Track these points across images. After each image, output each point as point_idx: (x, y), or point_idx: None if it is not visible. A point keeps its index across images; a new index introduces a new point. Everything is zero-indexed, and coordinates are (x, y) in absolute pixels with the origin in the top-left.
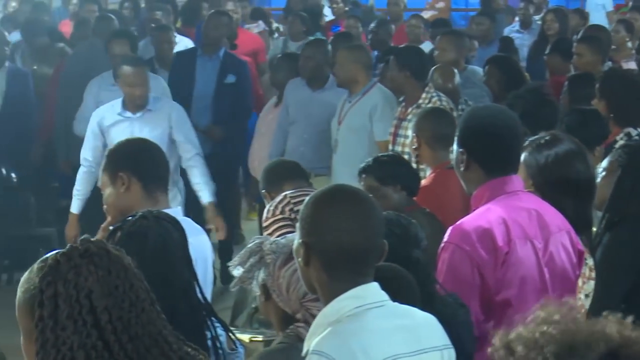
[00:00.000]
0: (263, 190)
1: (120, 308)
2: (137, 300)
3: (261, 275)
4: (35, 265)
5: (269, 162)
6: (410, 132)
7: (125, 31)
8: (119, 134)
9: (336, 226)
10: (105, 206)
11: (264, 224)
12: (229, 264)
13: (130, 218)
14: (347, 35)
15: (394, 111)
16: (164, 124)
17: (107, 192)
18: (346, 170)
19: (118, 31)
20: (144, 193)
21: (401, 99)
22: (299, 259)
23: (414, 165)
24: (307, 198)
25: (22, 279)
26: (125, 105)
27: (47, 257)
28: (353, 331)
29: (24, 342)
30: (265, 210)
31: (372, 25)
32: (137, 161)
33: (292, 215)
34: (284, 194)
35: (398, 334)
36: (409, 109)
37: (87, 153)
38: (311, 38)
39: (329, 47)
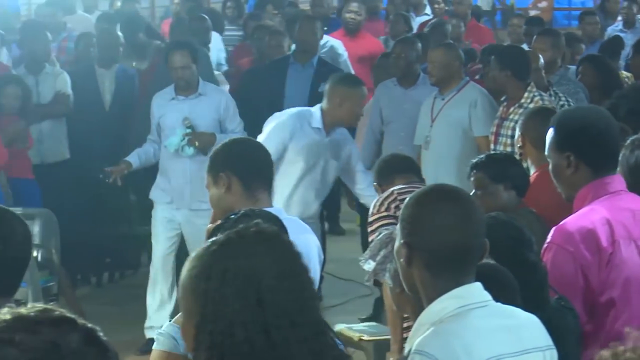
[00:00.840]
0: (375, 183)
1: (287, 292)
2: (303, 288)
3: (394, 266)
4: (205, 246)
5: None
6: (512, 132)
7: (186, 42)
8: (169, 117)
9: (438, 225)
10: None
11: (370, 219)
12: (360, 258)
13: (232, 216)
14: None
15: (493, 109)
16: (213, 110)
17: (211, 192)
18: (441, 166)
19: (178, 42)
20: (245, 192)
21: (503, 98)
22: (401, 260)
23: None
24: (407, 198)
25: (190, 259)
26: (177, 89)
27: (217, 238)
28: (456, 331)
29: (185, 323)
30: (372, 205)
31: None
32: (237, 161)
33: (397, 213)
34: (391, 189)
35: (501, 334)
36: (511, 109)
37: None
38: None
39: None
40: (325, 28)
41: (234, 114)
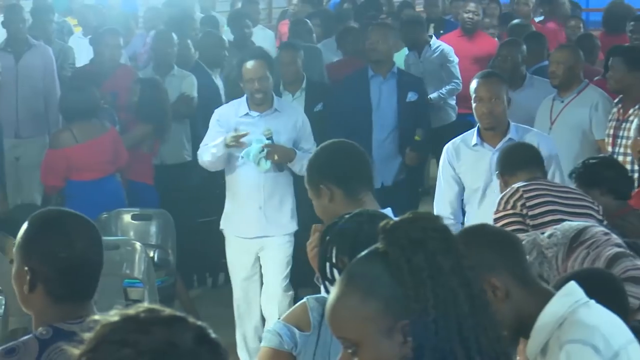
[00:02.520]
0: (497, 172)
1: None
2: (472, 282)
3: (537, 270)
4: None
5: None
6: (632, 134)
7: (260, 50)
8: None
9: None
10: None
11: (495, 216)
12: None
13: (346, 215)
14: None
15: (609, 111)
16: (290, 127)
17: (315, 204)
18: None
19: (254, 50)
20: (348, 198)
21: (617, 100)
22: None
23: (637, 167)
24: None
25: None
26: (250, 104)
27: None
28: (590, 318)
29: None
30: (497, 202)
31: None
32: (334, 169)
33: (524, 211)
34: (516, 186)
35: (617, 324)
36: (630, 110)
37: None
38: None
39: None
40: (441, 31)
41: (310, 133)
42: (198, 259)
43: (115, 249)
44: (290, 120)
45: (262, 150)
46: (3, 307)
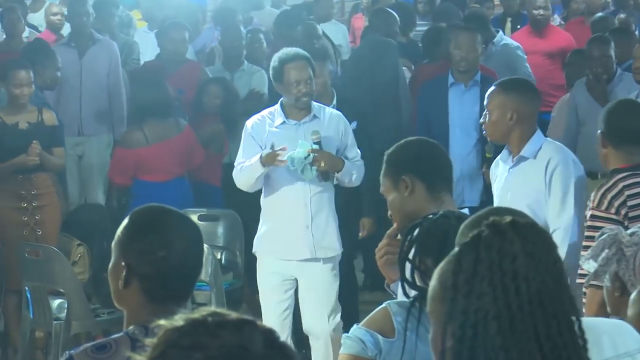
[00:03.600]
0: (600, 131)
1: (542, 281)
2: (560, 277)
3: (613, 267)
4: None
5: None
6: None
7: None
8: (281, 144)
9: None
10: (389, 212)
11: (590, 212)
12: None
13: (430, 216)
14: (624, 31)
15: None
16: (332, 136)
17: (391, 197)
18: None
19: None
20: (429, 195)
21: None
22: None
23: None
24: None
25: (439, 268)
26: (286, 111)
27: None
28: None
29: (433, 332)
30: (593, 193)
31: None
32: (419, 162)
33: (623, 212)
34: (621, 184)
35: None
36: None
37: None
38: None
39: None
40: (518, 26)
41: (353, 141)
42: None
43: None
44: (332, 126)
45: (308, 156)
46: (66, 310)
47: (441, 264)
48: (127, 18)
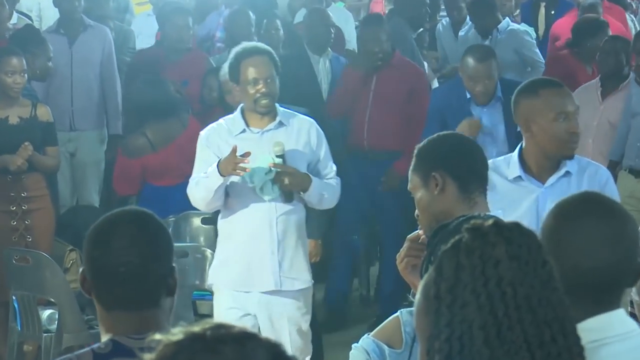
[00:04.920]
0: None
1: (529, 286)
2: (549, 280)
3: None
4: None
5: None
6: None
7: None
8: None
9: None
10: (416, 212)
11: None
12: None
13: (461, 218)
14: None
15: None
16: (301, 147)
17: (419, 195)
18: None
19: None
20: (461, 195)
21: None
22: None
23: None
24: None
25: (423, 280)
26: (247, 118)
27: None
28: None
29: (421, 348)
30: None
31: None
32: (452, 158)
33: None
34: None
35: None
36: None
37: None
38: None
39: None
40: (553, 11)
41: (327, 154)
42: None
43: (183, 256)
44: (302, 136)
45: (269, 171)
46: (57, 322)
47: (425, 275)
48: (123, 2)
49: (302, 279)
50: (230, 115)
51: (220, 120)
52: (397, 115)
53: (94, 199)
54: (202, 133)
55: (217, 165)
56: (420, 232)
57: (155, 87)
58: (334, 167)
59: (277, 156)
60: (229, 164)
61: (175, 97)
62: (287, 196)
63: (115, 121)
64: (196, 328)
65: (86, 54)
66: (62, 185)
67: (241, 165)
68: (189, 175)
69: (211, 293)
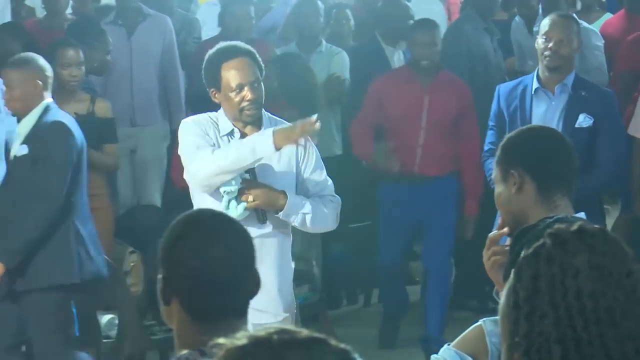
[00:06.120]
0: None
1: (612, 298)
2: (634, 291)
3: None
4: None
5: None
6: None
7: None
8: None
9: None
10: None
11: None
12: None
13: (547, 219)
14: None
15: None
16: (285, 159)
17: (498, 189)
18: None
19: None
20: (539, 196)
21: None
22: None
23: None
24: None
25: (507, 283)
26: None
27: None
28: None
29: (503, 351)
30: None
31: None
32: (532, 158)
33: None
34: None
35: None
36: None
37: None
38: None
39: None
40: (597, 8)
41: (318, 166)
42: (348, 272)
43: None
44: (287, 148)
45: (233, 187)
46: (116, 328)
47: (508, 280)
48: None
49: (271, 311)
50: (212, 114)
51: (211, 115)
52: (449, 138)
53: (155, 198)
54: (188, 119)
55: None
56: (499, 232)
57: None
58: (330, 184)
59: (246, 171)
60: (299, 132)
61: None
62: (259, 216)
63: (178, 115)
64: (261, 333)
65: (146, 45)
66: (122, 183)
67: (312, 127)
68: None
69: None
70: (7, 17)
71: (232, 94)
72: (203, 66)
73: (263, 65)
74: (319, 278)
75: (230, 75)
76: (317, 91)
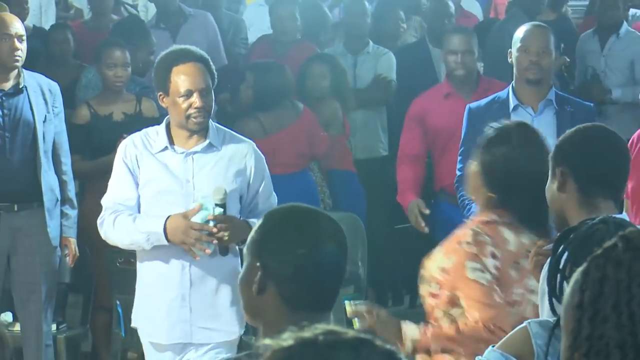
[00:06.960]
0: None
1: None
2: None
3: None
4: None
5: None
6: None
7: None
8: (150, 175)
9: None
10: None
11: None
12: None
13: (588, 221)
14: None
15: None
16: (231, 176)
17: (547, 184)
18: None
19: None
20: (580, 198)
21: None
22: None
23: None
24: None
25: (573, 277)
26: (172, 134)
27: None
28: None
29: (562, 352)
30: None
31: None
32: (576, 158)
33: None
34: None
35: None
36: None
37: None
38: None
39: None
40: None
41: (267, 185)
42: (394, 273)
43: None
44: (235, 161)
45: (207, 223)
46: None
47: (575, 273)
48: None
49: (224, 330)
50: (155, 127)
51: (146, 130)
52: None
53: None
54: (123, 143)
55: (164, 225)
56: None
57: (278, 75)
58: (275, 201)
59: (218, 205)
60: (185, 234)
61: (292, 84)
62: (223, 250)
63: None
64: (307, 333)
65: (191, 44)
66: None
67: (198, 245)
68: (301, 166)
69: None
70: (52, 19)
71: (180, 100)
72: (154, 67)
73: (216, 73)
74: (365, 279)
75: (180, 80)
76: (348, 90)
